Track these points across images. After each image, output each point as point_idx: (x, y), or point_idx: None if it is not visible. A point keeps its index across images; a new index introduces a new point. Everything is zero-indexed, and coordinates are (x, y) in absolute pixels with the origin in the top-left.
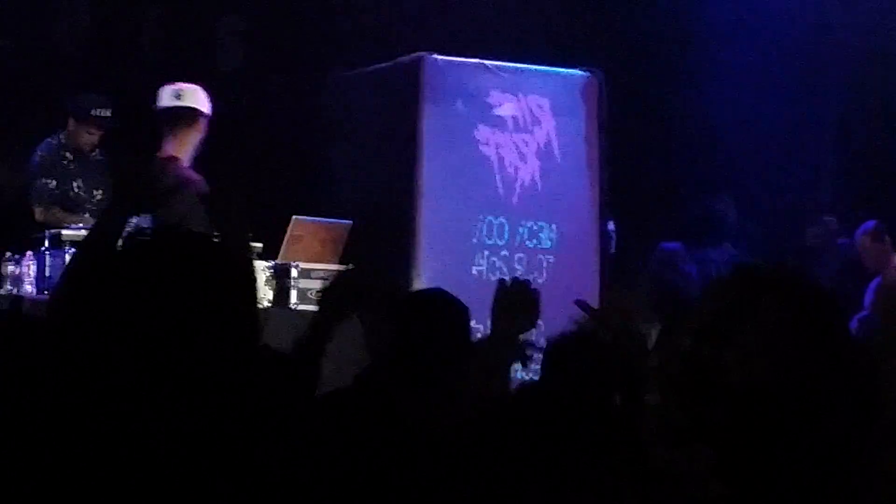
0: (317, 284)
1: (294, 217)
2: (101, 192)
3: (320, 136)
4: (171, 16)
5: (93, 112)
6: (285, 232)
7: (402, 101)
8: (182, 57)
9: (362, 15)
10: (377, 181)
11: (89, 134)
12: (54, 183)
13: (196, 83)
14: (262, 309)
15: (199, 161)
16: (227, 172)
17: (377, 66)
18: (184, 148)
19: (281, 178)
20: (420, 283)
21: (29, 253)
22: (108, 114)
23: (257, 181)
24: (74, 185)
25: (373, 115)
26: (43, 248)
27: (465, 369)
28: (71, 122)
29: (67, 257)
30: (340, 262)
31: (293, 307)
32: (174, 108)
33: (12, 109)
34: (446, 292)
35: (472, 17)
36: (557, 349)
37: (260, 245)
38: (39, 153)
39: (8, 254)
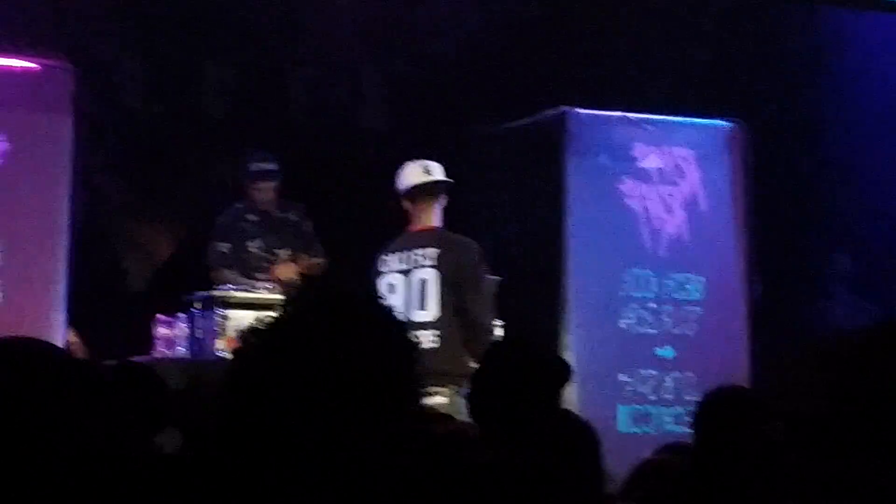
0: None
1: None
2: (285, 250)
3: (464, 192)
4: (316, 77)
5: (252, 167)
6: None
7: (546, 155)
8: (327, 117)
9: (503, 70)
10: (522, 236)
11: (258, 190)
12: (228, 247)
13: (340, 142)
14: None
15: (347, 220)
16: (372, 231)
17: (520, 121)
18: (439, 217)
19: None
20: (567, 337)
21: (181, 315)
22: (271, 167)
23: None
24: (251, 245)
25: (517, 170)
26: (194, 310)
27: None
28: (245, 182)
29: (217, 318)
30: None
31: None
32: (426, 184)
33: (164, 174)
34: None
35: (613, 71)
36: (711, 404)
37: None
38: (222, 217)
39: (161, 316)
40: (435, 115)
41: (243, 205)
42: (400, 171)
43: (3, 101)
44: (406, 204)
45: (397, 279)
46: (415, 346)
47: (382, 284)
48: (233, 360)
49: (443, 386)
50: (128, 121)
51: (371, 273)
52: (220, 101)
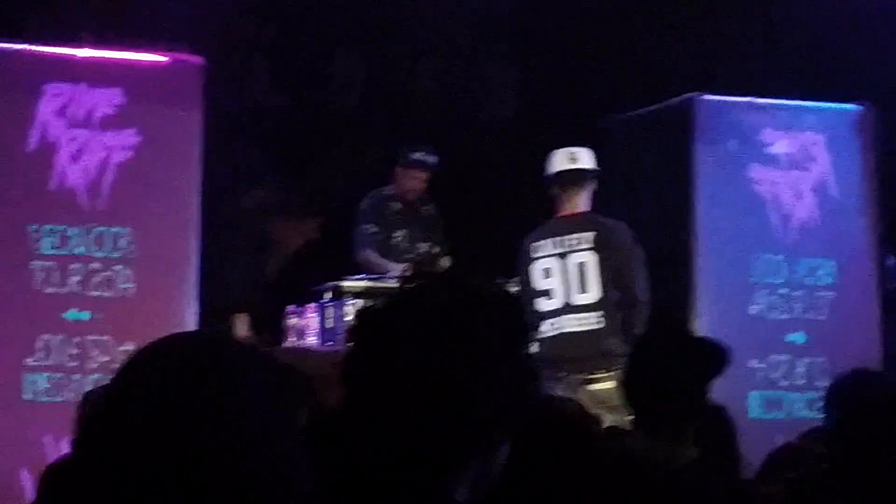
0: None
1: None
2: (427, 244)
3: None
4: (444, 68)
5: (414, 155)
6: None
7: (675, 142)
8: (456, 107)
9: (632, 59)
10: (653, 222)
11: (412, 178)
12: (376, 229)
13: (467, 132)
14: None
15: (479, 209)
16: (504, 220)
17: (649, 108)
18: (588, 202)
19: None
20: (698, 323)
21: (311, 305)
22: (432, 159)
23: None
24: (397, 234)
25: (646, 157)
26: (325, 300)
27: None
28: (398, 169)
29: (348, 308)
30: None
31: None
32: (571, 171)
33: (292, 166)
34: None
35: (741, 56)
36: (841, 388)
37: None
38: (367, 201)
39: (291, 307)
40: (564, 103)
41: (388, 192)
42: (549, 158)
43: (134, 94)
44: (554, 190)
45: (553, 263)
46: (529, 330)
47: (536, 270)
48: (349, 338)
49: (608, 369)
50: (256, 113)
51: (520, 260)
52: (348, 92)
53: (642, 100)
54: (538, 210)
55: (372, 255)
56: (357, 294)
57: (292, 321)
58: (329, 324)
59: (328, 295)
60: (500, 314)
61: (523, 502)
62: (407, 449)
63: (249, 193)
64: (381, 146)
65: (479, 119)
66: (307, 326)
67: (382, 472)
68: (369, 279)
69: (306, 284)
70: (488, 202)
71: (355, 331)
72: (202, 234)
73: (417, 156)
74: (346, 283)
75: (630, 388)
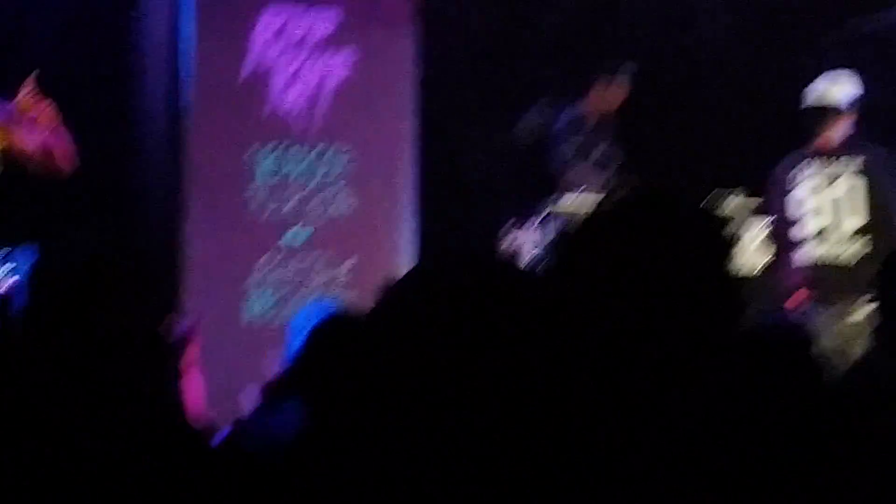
0: None
1: None
2: (614, 165)
3: None
4: None
5: (622, 70)
6: None
7: None
8: (664, 33)
9: None
10: None
11: (618, 94)
12: (575, 148)
13: (677, 59)
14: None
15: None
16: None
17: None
18: (849, 128)
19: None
20: None
21: (531, 220)
22: (626, 79)
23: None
24: (594, 152)
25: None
26: (542, 217)
27: None
28: (597, 86)
29: (564, 224)
30: None
31: None
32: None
33: (501, 85)
34: None
35: None
36: None
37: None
38: (563, 119)
39: (510, 222)
40: (779, 23)
41: (581, 110)
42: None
43: (351, 15)
44: (815, 117)
45: (819, 188)
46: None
47: (794, 198)
48: (555, 248)
49: (866, 300)
50: (469, 32)
51: (773, 188)
52: (557, 15)
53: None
54: (747, 130)
55: (582, 171)
56: (575, 211)
57: (513, 236)
58: (548, 241)
59: (548, 210)
60: (700, 230)
61: None
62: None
63: (462, 109)
64: (589, 67)
65: (691, 46)
66: (528, 241)
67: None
68: (586, 196)
69: (524, 201)
70: (697, 124)
71: (558, 247)
72: (418, 152)
73: (625, 67)
74: (566, 199)
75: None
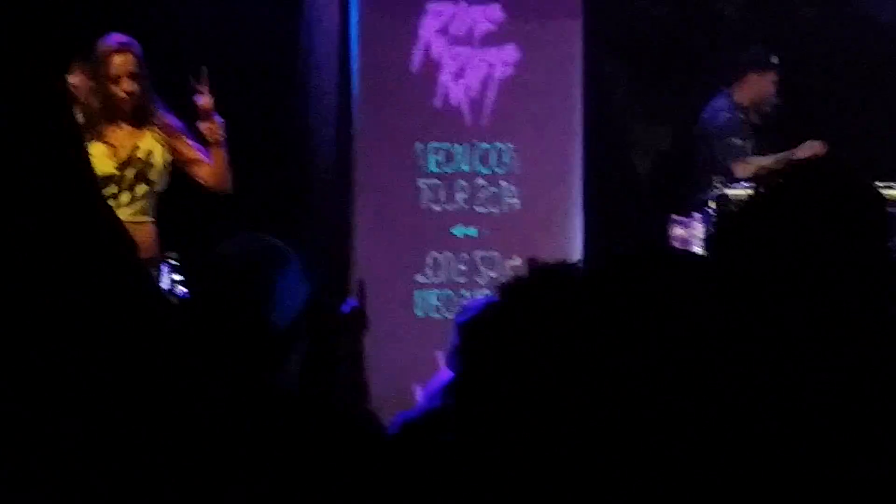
0: None
1: None
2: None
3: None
4: None
5: (773, 59)
6: None
7: None
8: (840, 13)
9: None
10: None
11: (772, 83)
12: (740, 140)
13: (851, 39)
14: None
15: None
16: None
17: None
18: None
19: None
20: None
21: (696, 214)
22: (774, 59)
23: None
24: (749, 143)
25: None
26: (710, 209)
27: None
28: (751, 76)
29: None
30: None
31: None
32: None
33: (676, 73)
34: None
35: None
36: None
37: None
38: (724, 114)
39: (676, 216)
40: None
41: (736, 101)
42: None
43: (513, 10)
44: None
45: None
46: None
47: None
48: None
49: None
50: (639, 22)
51: None
52: (725, 6)
53: None
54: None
55: (756, 161)
56: (742, 202)
57: (677, 231)
58: (709, 233)
59: (713, 204)
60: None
61: None
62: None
63: (633, 102)
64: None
65: (864, 23)
66: (692, 236)
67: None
68: (752, 186)
69: (692, 193)
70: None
71: (716, 238)
72: (585, 147)
73: (775, 59)
74: (731, 192)
75: None
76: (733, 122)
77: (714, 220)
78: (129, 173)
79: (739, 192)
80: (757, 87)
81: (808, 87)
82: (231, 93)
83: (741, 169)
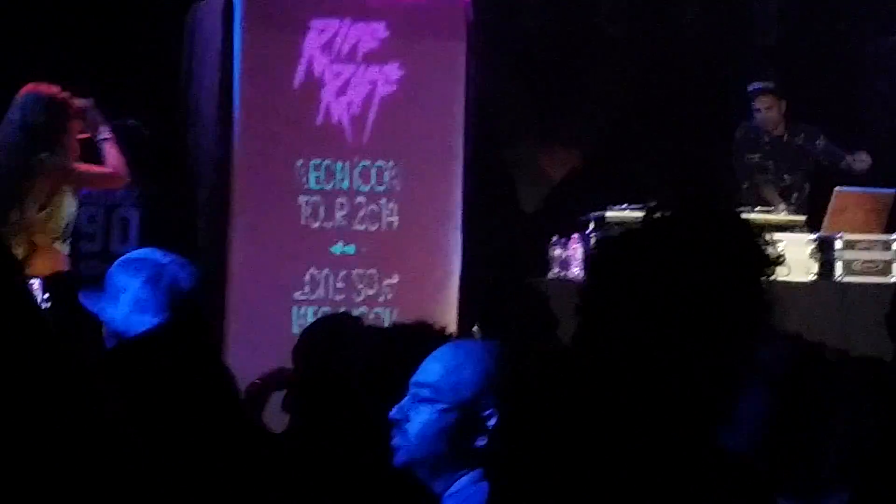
0: (862, 255)
1: (836, 189)
2: (791, 176)
3: (864, 105)
4: None
5: (750, 87)
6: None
7: None
8: (720, 34)
9: None
10: None
11: (758, 110)
12: (757, 157)
13: (736, 56)
14: (808, 283)
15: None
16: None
17: None
18: None
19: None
20: None
21: (575, 235)
22: (761, 85)
23: None
24: (767, 164)
25: None
26: (588, 231)
27: None
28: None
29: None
30: (884, 232)
31: (838, 280)
32: None
33: (560, 96)
34: None
35: None
36: None
37: (804, 217)
38: (740, 131)
39: (555, 237)
40: (828, 29)
41: (752, 123)
42: None
43: (398, 28)
44: None
45: None
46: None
47: None
48: (589, 267)
49: None
50: (524, 43)
51: None
52: (617, 20)
53: None
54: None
55: (762, 188)
56: (621, 224)
57: (556, 252)
58: (586, 255)
59: (592, 225)
60: (739, 245)
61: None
62: (657, 388)
63: (515, 123)
64: (646, 73)
65: (743, 45)
66: (571, 257)
67: (630, 412)
68: (633, 209)
69: (570, 214)
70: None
71: (593, 262)
72: (465, 167)
73: (754, 86)
74: (610, 214)
75: None
76: (746, 140)
77: (592, 241)
78: None
79: (618, 214)
80: (755, 114)
81: (691, 101)
82: (111, 108)
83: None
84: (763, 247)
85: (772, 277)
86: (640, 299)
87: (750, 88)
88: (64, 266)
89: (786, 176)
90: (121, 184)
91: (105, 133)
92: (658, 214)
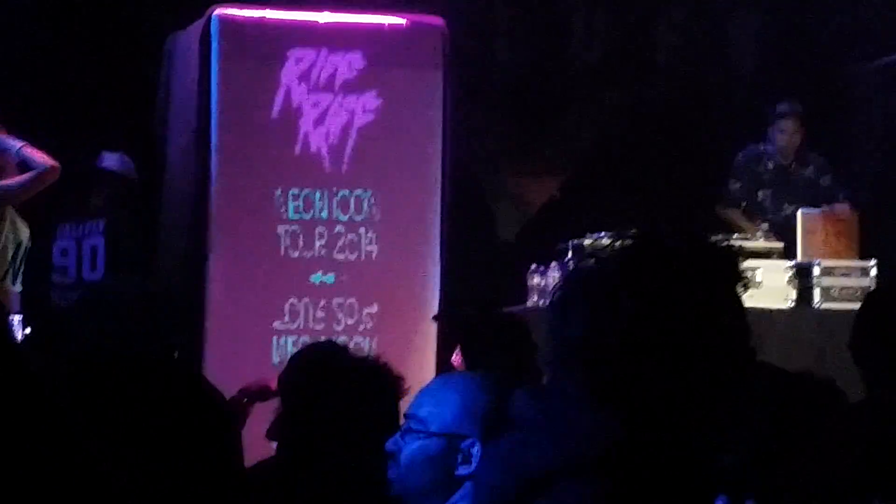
0: (840, 282)
1: (800, 211)
2: (792, 207)
3: (835, 129)
4: (685, 19)
5: (779, 108)
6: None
7: None
8: (695, 60)
9: (871, 6)
10: (891, 171)
11: (780, 132)
12: (739, 185)
13: (708, 86)
14: (786, 310)
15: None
16: None
17: (892, 56)
18: None
19: None
20: None
21: (554, 264)
22: (789, 108)
23: None
24: (761, 193)
25: (888, 106)
26: (567, 259)
27: None
28: (770, 127)
29: None
30: (861, 257)
31: (815, 306)
32: None
33: (536, 124)
34: None
35: None
36: None
37: (781, 244)
38: (741, 155)
39: (534, 265)
40: (807, 52)
41: (764, 148)
42: None
43: (375, 57)
44: None
45: None
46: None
47: None
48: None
49: None
50: (499, 72)
51: None
52: (591, 46)
53: (887, 48)
54: None
55: (733, 213)
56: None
57: (535, 280)
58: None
59: (570, 253)
60: (709, 272)
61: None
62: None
63: (493, 152)
64: (623, 101)
65: (720, 71)
66: (549, 285)
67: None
68: (610, 237)
69: (548, 243)
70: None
71: (559, 291)
72: (443, 196)
73: (782, 107)
74: (588, 241)
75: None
76: (740, 166)
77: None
78: None
79: (596, 242)
80: (772, 136)
81: (669, 126)
82: (86, 136)
83: (719, 211)
84: (735, 274)
85: (745, 305)
86: (605, 328)
87: (778, 110)
88: (12, 307)
89: (786, 206)
90: (55, 174)
91: (16, 143)
92: (625, 242)
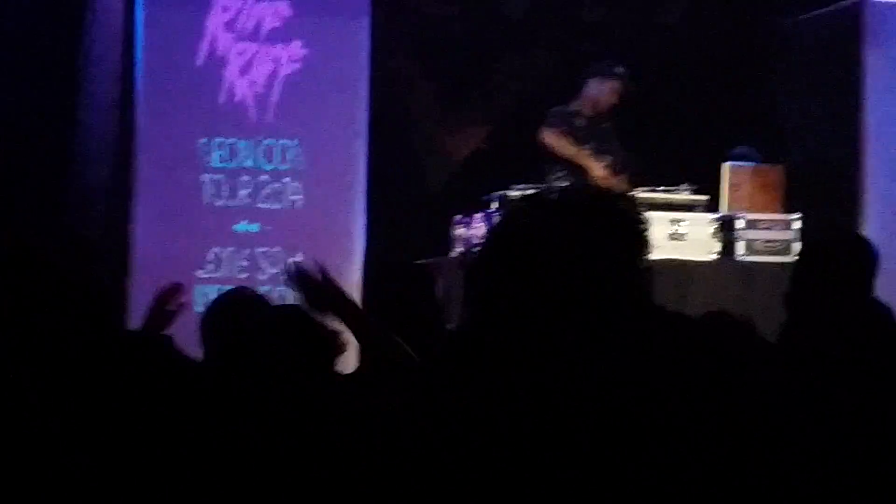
0: (764, 235)
1: (727, 164)
2: (609, 158)
3: (766, 84)
4: None
5: (616, 70)
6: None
7: (844, 47)
8: (622, 13)
9: None
10: (818, 127)
11: (613, 92)
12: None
13: (637, 38)
14: (710, 262)
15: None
16: (667, 121)
17: (819, 10)
18: None
19: (718, 124)
20: (866, 228)
21: (478, 215)
22: (621, 70)
23: (697, 129)
24: (584, 148)
25: (814, 61)
26: (491, 210)
27: None
28: (592, 84)
29: None
30: (785, 211)
31: (739, 259)
32: None
33: (460, 75)
34: None
35: None
36: None
37: (706, 197)
38: (553, 112)
39: (458, 216)
40: (734, 7)
41: (572, 108)
42: None
43: (301, 7)
44: None
45: None
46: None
47: None
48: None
49: None
50: (424, 23)
51: None
52: (516, 1)
53: (812, 3)
54: (711, 115)
55: (569, 141)
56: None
57: (459, 231)
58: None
59: (495, 205)
60: (615, 225)
61: None
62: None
63: (417, 103)
64: (550, 55)
65: (648, 24)
66: (474, 236)
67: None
68: (535, 188)
69: (473, 194)
70: (662, 108)
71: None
72: (369, 146)
73: (619, 69)
74: (512, 193)
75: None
76: (559, 114)
77: (493, 221)
78: None
79: (520, 193)
80: (598, 93)
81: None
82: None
83: (549, 135)
84: (640, 226)
85: (646, 256)
86: (523, 276)
87: (616, 71)
88: None
89: (605, 157)
90: None
91: None
92: (542, 195)
